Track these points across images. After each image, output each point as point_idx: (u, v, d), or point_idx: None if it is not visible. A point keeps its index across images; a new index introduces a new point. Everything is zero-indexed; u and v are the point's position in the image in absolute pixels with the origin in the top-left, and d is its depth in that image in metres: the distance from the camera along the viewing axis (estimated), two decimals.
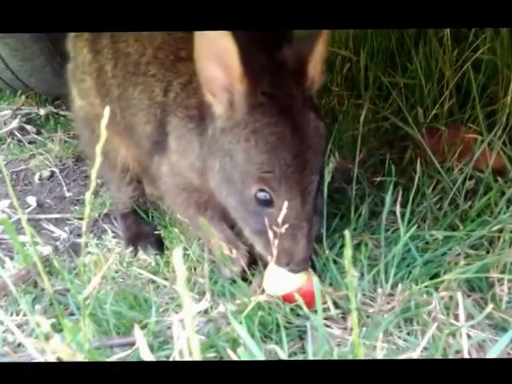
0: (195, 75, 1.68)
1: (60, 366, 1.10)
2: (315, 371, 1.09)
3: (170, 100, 1.76)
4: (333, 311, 1.62)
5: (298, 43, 1.63)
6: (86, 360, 1.21)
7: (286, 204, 1.52)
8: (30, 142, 3.13)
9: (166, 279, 1.85)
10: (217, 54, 1.47)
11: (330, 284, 1.71)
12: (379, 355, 1.43)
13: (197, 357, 0.93)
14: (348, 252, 1.05)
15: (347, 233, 1.05)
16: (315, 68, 1.62)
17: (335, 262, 1.77)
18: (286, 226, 1.55)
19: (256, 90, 1.53)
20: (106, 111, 1.15)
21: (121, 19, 1.28)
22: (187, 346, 1.01)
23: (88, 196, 1.18)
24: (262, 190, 1.55)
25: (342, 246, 1.84)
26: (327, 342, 1.39)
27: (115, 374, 1.08)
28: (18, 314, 1.69)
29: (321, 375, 1.07)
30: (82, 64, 2.05)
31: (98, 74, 2.00)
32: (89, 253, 1.98)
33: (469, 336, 1.49)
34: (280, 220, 1.53)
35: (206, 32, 1.43)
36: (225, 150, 1.59)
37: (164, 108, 1.79)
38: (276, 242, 1.55)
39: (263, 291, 1.64)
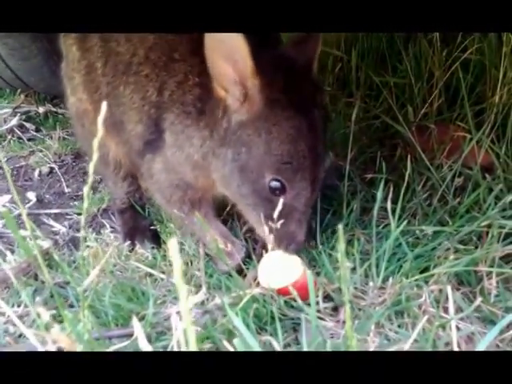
0: (190, 73, 1.75)
1: (60, 356, 1.12)
2: (309, 362, 1.10)
3: (165, 98, 1.80)
4: (325, 304, 1.66)
5: (303, 43, 1.73)
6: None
7: (297, 193, 1.65)
8: (29, 140, 3.16)
9: (162, 272, 1.87)
10: (228, 52, 1.53)
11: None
12: (371, 347, 1.46)
13: (193, 348, 0.95)
14: (341, 245, 1.08)
15: (340, 227, 1.08)
16: (316, 66, 1.74)
17: (329, 255, 1.80)
18: (294, 211, 1.67)
19: (270, 85, 1.61)
20: (104, 106, 1.18)
21: (115, 20, 1.31)
22: (184, 337, 1.04)
23: (86, 190, 1.20)
24: (275, 180, 1.63)
25: (335, 241, 1.87)
26: (320, 334, 1.41)
27: (113, 363, 1.10)
28: (18, 306, 1.70)
29: (314, 366, 1.09)
30: (71, 61, 2.08)
31: (87, 71, 2.02)
32: (87, 246, 2.01)
33: (458, 328, 1.51)
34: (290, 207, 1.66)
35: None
36: (242, 142, 1.66)
37: (159, 106, 1.82)
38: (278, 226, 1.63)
39: (258, 284, 1.66)
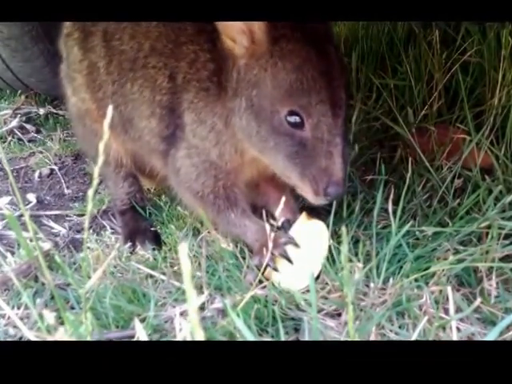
0: (200, 51, 1.75)
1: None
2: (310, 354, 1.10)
3: (179, 81, 1.79)
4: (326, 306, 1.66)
5: None
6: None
7: (318, 119, 1.57)
8: (29, 141, 3.16)
9: (163, 274, 1.86)
10: None
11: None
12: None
13: None
14: (345, 247, 1.08)
15: (344, 229, 1.08)
16: None
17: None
18: (320, 144, 1.59)
19: (277, 24, 1.57)
20: (109, 110, 1.18)
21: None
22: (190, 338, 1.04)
23: (91, 192, 1.20)
24: (291, 113, 1.58)
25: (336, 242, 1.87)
26: (321, 335, 1.41)
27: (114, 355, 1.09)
28: (19, 308, 1.70)
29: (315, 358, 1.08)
30: (72, 62, 2.09)
31: (89, 70, 2.03)
32: (88, 248, 2.00)
33: (458, 329, 1.52)
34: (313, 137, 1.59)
35: None
36: (251, 84, 1.64)
37: (172, 92, 1.82)
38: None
39: (259, 283, 1.66)
